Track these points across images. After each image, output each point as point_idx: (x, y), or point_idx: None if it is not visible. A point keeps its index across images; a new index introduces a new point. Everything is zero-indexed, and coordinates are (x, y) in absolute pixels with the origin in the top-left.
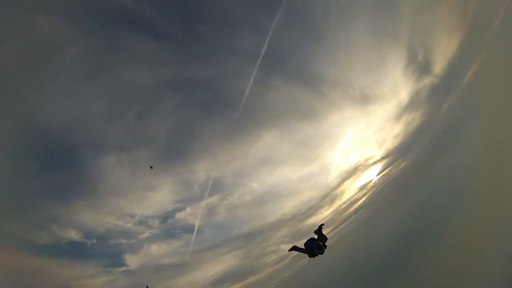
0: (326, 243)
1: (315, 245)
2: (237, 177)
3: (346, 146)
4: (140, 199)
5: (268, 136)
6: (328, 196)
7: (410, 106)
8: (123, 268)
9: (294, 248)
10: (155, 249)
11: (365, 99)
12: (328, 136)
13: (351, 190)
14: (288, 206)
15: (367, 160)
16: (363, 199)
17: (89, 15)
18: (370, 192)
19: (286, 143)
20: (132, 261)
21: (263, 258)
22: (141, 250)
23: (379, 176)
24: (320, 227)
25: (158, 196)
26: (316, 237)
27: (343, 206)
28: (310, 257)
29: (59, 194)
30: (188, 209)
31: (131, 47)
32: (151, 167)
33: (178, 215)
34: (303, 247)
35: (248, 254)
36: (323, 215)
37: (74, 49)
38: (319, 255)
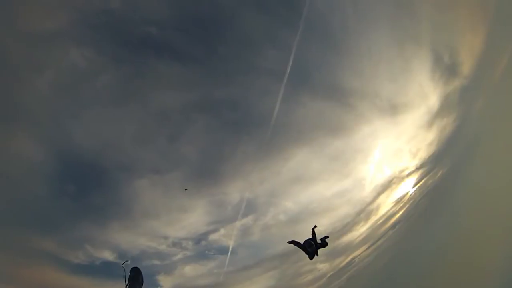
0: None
1: (307, 243)
2: (270, 196)
3: (379, 159)
4: (173, 221)
5: (300, 154)
6: (364, 211)
7: (441, 111)
8: None
9: (293, 242)
10: (189, 270)
11: (393, 108)
12: (360, 149)
13: (386, 204)
14: (323, 223)
15: (401, 172)
16: (400, 212)
17: (117, 45)
18: (407, 205)
19: (318, 160)
20: (166, 282)
21: (299, 278)
22: (174, 271)
23: (415, 188)
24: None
25: (192, 218)
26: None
27: (380, 221)
28: (306, 253)
29: (94, 216)
30: (222, 231)
31: (158, 72)
32: (185, 189)
33: (212, 237)
34: (302, 244)
35: (284, 274)
36: (359, 232)
37: (104, 77)
38: (310, 251)
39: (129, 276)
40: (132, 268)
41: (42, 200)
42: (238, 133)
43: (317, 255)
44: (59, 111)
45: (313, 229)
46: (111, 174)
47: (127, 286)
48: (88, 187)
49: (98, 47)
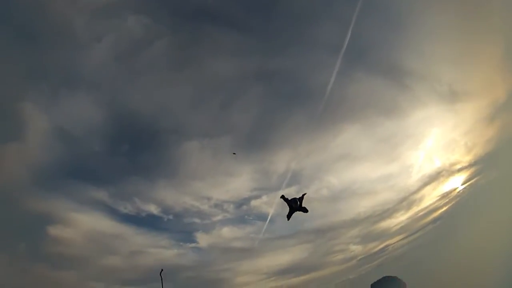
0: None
1: (293, 200)
2: (315, 170)
3: (430, 147)
4: (218, 184)
5: (350, 131)
6: (406, 200)
7: (508, 105)
8: (193, 245)
9: (283, 197)
10: (226, 232)
11: (454, 95)
12: (411, 134)
13: (431, 197)
14: (363, 205)
15: (452, 165)
16: (444, 208)
17: (173, 13)
18: (453, 202)
19: (367, 139)
20: (203, 239)
21: (330, 255)
22: (212, 231)
23: (464, 186)
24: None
25: (236, 182)
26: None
27: (421, 214)
28: (290, 209)
29: (144, 172)
30: (264, 198)
31: (214, 40)
32: (234, 153)
33: (253, 203)
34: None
35: (316, 249)
36: (398, 220)
37: (161, 43)
38: (293, 207)
39: None
40: None
41: (99, 156)
42: (290, 104)
43: (288, 219)
44: (117, 76)
45: (303, 195)
46: (163, 135)
47: None
48: (140, 147)
49: (155, 15)
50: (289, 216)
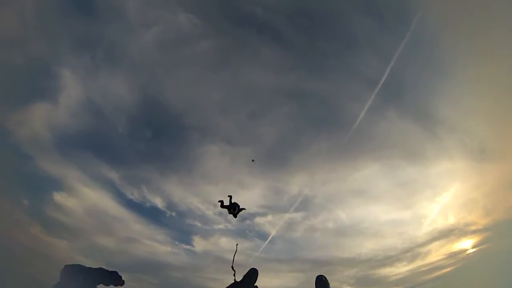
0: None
1: (235, 203)
2: (327, 201)
3: (447, 202)
4: (228, 193)
5: (370, 168)
6: (411, 251)
7: None
8: (188, 247)
9: (230, 196)
10: (224, 242)
11: (482, 153)
12: (431, 185)
13: (437, 253)
14: (367, 247)
15: (466, 225)
16: (448, 269)
17: (222, 17)
18: (459, 264)
19: (386, 181)
20: (199, 244)
21: None
22: (211, 238)
23: (474, 249)
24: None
25: (246, 195)
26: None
27: (423, 269)
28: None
29: (159, 163)
30: (270, 217)
31: (256, 50)
32: (252, 160)
33: (258, 220)
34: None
35: (308, 281)
36: (398, 270)
37: (205, 43)
38: (231, 208)
39: (246, 273)
40: (251, 269)
41: (121, 137)
42: (317, 129)
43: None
44: (157, 66)
45: (243, 209)
46: (187, 132)
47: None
48: (162, 138)
49: (205, 16)
50: (222, 204)
